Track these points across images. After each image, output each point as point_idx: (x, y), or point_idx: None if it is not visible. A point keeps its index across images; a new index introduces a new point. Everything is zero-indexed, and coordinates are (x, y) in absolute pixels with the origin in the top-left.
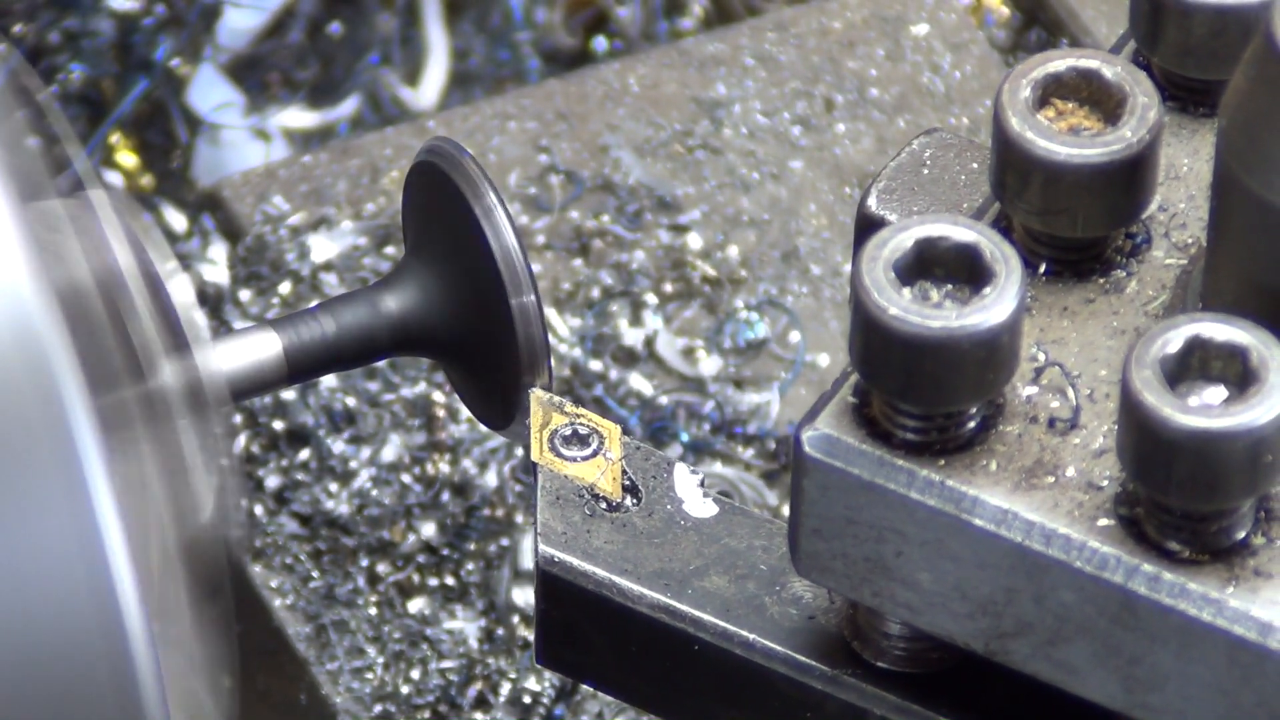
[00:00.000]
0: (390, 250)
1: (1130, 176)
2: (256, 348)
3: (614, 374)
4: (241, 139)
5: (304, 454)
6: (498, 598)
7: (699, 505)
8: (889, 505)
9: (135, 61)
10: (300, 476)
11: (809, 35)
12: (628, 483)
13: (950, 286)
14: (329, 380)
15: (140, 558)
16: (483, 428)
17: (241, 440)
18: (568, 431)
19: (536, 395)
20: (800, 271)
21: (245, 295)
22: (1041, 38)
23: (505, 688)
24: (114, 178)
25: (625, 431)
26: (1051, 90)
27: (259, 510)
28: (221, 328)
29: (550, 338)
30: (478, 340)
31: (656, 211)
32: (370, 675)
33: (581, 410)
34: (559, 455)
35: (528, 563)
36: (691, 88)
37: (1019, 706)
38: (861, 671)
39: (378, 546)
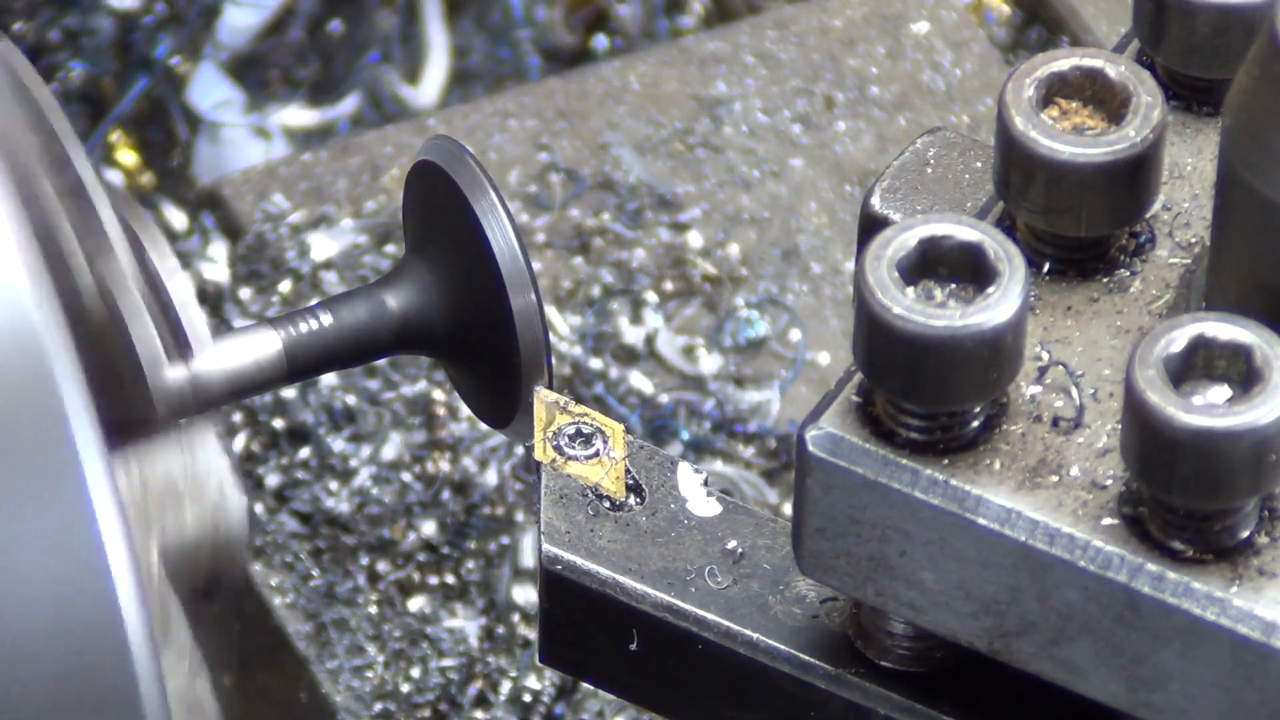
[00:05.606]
0: (390, 248)
1: (1134, 176)
2: (256, 346)
3: (614, 372)
4: (241, 137)
5: (304, 452)
6: (498, 596)
7: (703, 504)
8: (893, 504)
9: (135, 59)
10: (300, 475)
11: (809, 33)
12: (631, 482)
13: (954, 286)
14: (329, 378)
15: (140, 556)
16: (483, 426)
17: (241, 439)
18: (571, 431)
19: (541, 394)
20: (801, 269)
21: (245, 293)
22: (1042, 35)
23: (505, 686)
24: (114, 176)
25: (626, 430)
26: (1055, 89)
27: (259, 509)
28: (221, 326)
29: (550, 336)
30: (478, 338)
31: (657, 209)
32: (370, 674)
33: (585, 409)
34: (563, 454)
35: (528, 561)
36: (692, 86)
37: (1022, 705)
38: (865, 670)
39: (378, 545)
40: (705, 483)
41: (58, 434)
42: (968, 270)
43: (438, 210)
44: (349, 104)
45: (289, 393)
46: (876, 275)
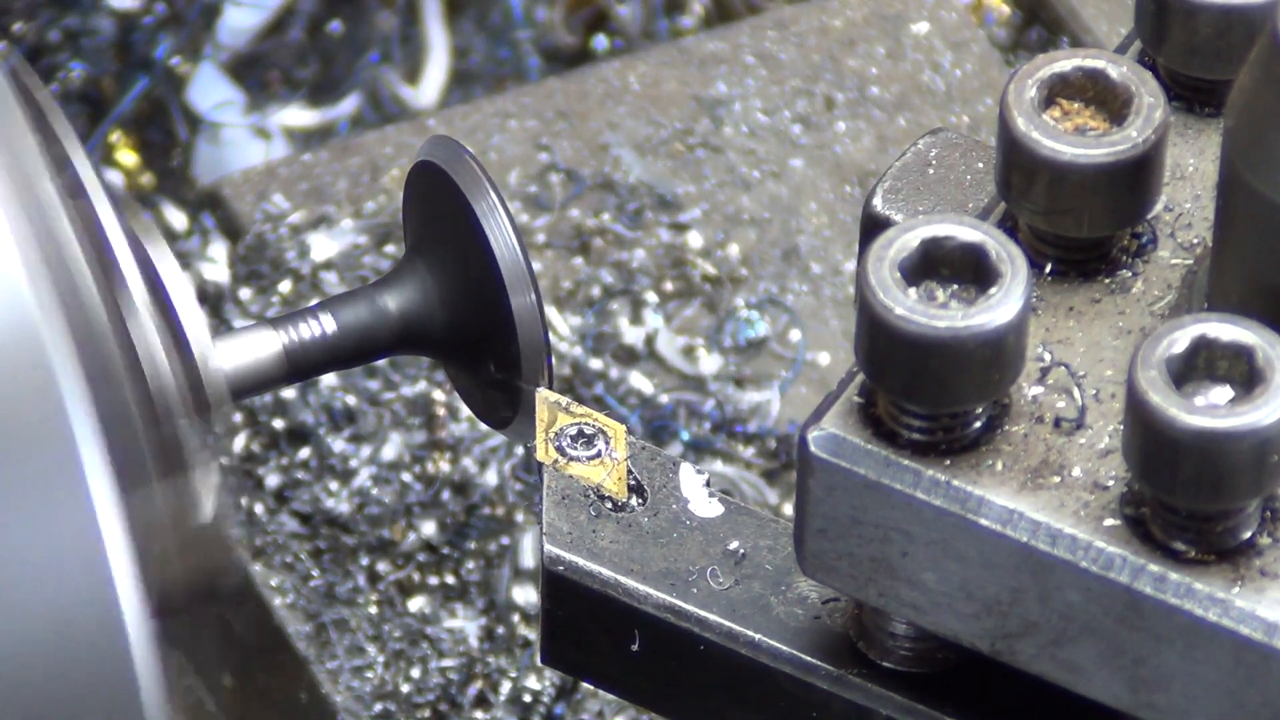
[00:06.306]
0: (390, 249)
1: (1136, 176)
2: (257, 346)
3: (614, 372)
4: (242, 137)
5: (304, 452)
6: (498, 596)
7: (704, 505)
8: (895, 505)
9: (135, 60)
10: (300, 475)
11: (809, 33)
12: (633, 482)
13: (956, 286)
14: (329, 379)
15: (140, 557)
16: (483, 426)
17: (241, 439)
18: (573, 431)
19: (542, 395)
20: (800, 270)
21: (245, 294)
22: (1042, 36)
23: (505, 686)
24: (114, 176)
25: (627, 431)
26: (1057, 90)
27: (259, 509)
28: (222, 326)
29: (550, 336)
30: (478, 339)
31: (657, 210)
32: (370, 674)
33: (587, 410)
34: (565, 455)
35: (528, 561)
36: (692, 86)
37: (1024, 706)
38: (867, 671)
39: (378, 545)
40: (707, 484)
41: (58, 434)
42: (970, 271)
43: (438, 210)
44: (349, 104)
45: (289, 393)
46: (879, 276)
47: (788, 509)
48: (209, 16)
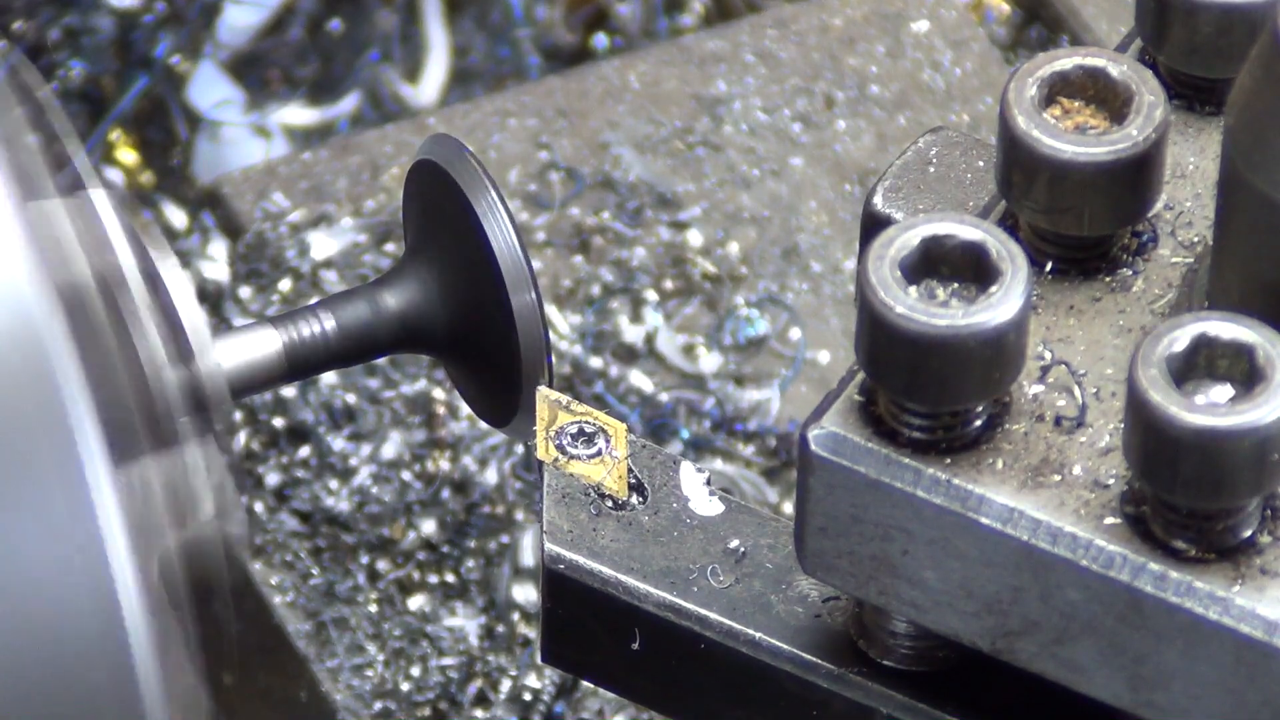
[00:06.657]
0: (390, 247)
1: (1136, 175)
2: (256, 345)
3: (614, 371)
4: (241, 136)
5: (304, 451)
6: (498, 595)
7: (705, 503)
8: (895, 503)
9: (135, 58)
10: (300, 474)
11: (809, 32)
12: (633, 481)
13: (956, 285)
14: (329, 377)
15: (140, 557)
16: (483, 424)
17: (241, 437)
18: (574, 430)
19: (543, 394)
20: (800, 268)
21: (245, 292)
22: (1042, 35)
23: (505, 685)
24: (114, 175)
25: (626, 429)
26: (1058, 89)
27: (259, 507)
28: (221, 325)
29: (550, 335)
30: (478, 337)
31: (657, 208)
32: (370, 672)
33: (587, 408)
34: (565, 453)
35: (528, 560)
36: (692, 85)
37: (1024, 705)
38: (867, 670)
39: (378, 544)
40: (708, 482)
41: (60, 433)
42: (970, 269)
43: (438, 209)
44: (349, 103)
45: (289, 391)
46: (879, 274)
47: (788, 507)
48: (209, 15)
